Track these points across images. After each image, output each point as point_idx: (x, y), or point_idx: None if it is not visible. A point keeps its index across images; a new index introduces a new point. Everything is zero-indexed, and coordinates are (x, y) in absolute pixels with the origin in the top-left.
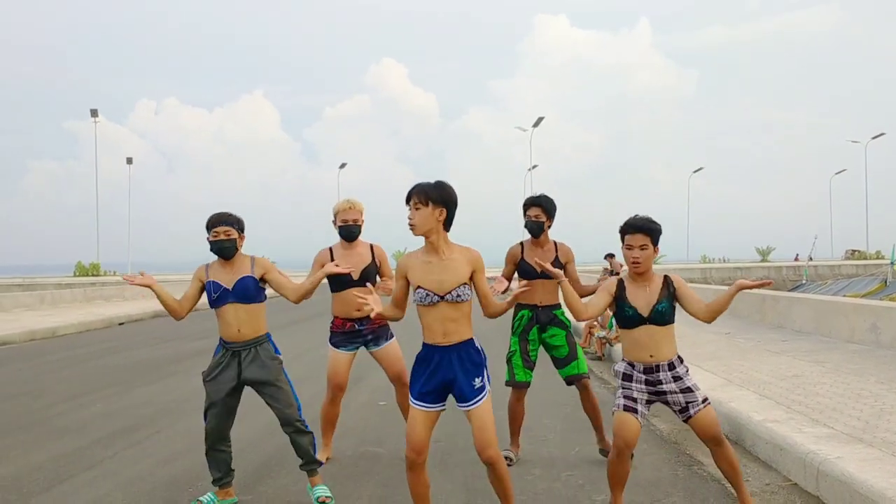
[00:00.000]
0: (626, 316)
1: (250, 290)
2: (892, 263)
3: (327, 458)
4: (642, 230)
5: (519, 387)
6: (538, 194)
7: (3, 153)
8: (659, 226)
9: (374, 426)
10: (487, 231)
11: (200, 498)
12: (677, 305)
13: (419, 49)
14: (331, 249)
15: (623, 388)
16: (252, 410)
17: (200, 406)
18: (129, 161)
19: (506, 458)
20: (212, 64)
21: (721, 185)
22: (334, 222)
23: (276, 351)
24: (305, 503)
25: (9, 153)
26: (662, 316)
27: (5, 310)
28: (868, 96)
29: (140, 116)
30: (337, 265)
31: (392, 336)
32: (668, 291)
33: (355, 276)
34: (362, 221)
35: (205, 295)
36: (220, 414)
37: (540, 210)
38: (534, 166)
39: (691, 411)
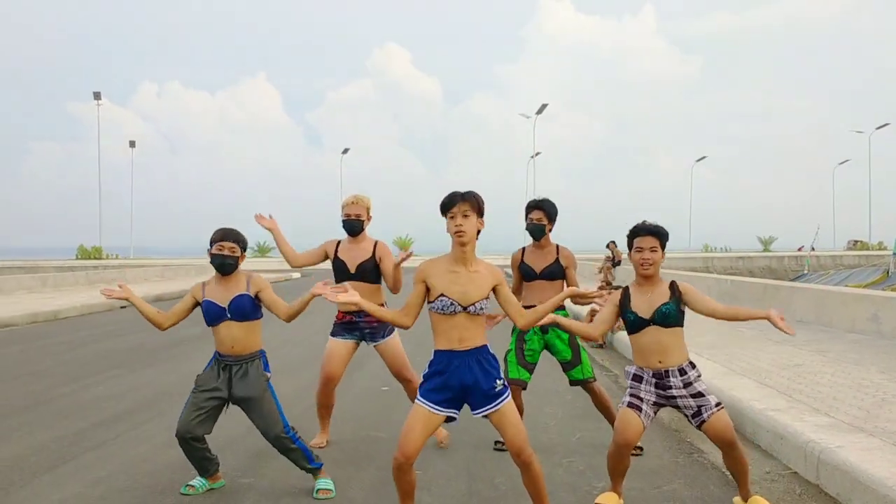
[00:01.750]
0: (629, 321)
1: (246, 308)
2: (894, 254)
3: (326, 441)
4: (651, 233)
5: (511, 383)
6: (540, 198)
7: (3, 134)
8: (667, 231)
9: (375, 411)
10: (491, 216)
11: (192, 482)
12: (686, 311)
13: (423, 33)
14: (338, 242)
15: (631, 388)
16: None
17: None
18: (132, 144)
19: (503, 443)
20: (214, 47)
21: (724, 173)
22: (341, 216)
23: (266, 368)
24: (306, 487)
25: (10, 135)
26: (666, 317)
27: (7, 292)
28: (873, 86)
29: (143, 99)
30: (326, 283)
31: (393, 331)
32: (674, 295)
33: (352, 270)
34: (368, 217)
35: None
36: (196, 419)
37: (542, 213)
38: (537, 153)
39: (704, 415)
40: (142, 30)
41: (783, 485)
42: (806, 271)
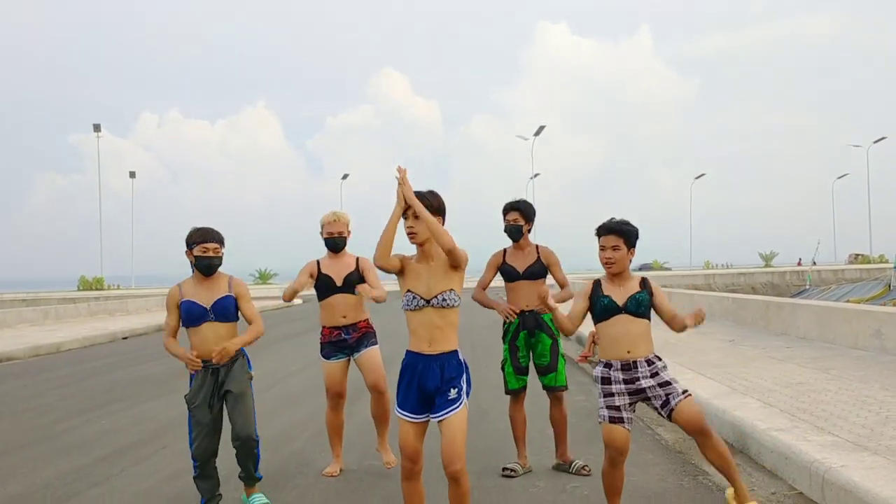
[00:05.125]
0: (602, 306)
1: (229, 310)
2: (895, 267)
3: (340, 470)
4: (613, 231)
5: (513, 394)
6: (517, 199)
7: (8, 168)
8: (633, 228)
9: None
10: (493, 237)
11: None
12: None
13: (420, 59)
14: (318, 262)
15: (605, 398)
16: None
17: None
18: (133, 175)
19: (511, 469)
20: (213, 76)
21: (724, 190)
22: (321, 234)
23: (250, 366)
24: None
25: (14, 168)
26: (639, 305)
27: (10, 325)
28: (870, 100)
29: (143, 130)
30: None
31: (374, 343)
32: (646, 289)
33: (339, 283)
34: (348, 233)
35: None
36: (208, 434)
37: (518, 214)
38: (535, 175)
39: (672, 403)
40: (141, 61)
41: None
42: (808, 286)
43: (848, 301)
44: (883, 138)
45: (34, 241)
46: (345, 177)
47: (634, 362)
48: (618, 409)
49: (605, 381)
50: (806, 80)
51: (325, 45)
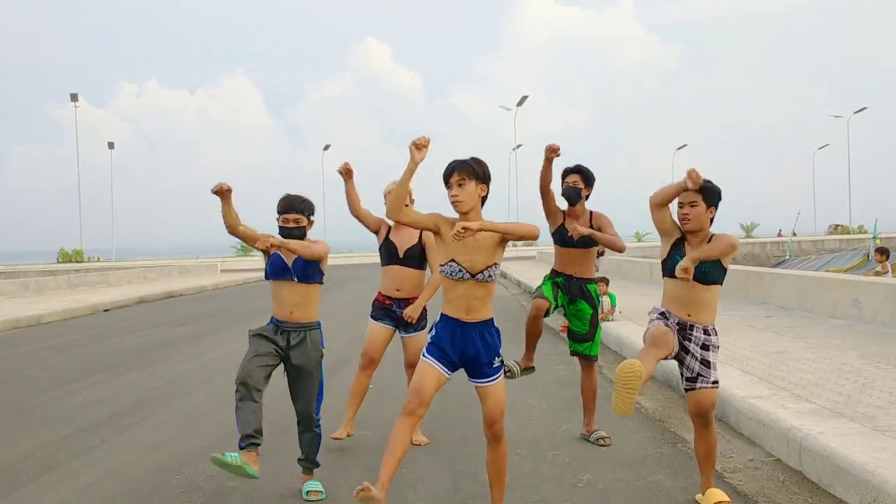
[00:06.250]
0: (675, 262)
1: (309, 269)
2: (874, 238)
3: (348, 434)
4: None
5: (542, 299)
6: (578, 163)
7: None
8: (715, 186)
9: (362, 409)
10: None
11: (227, 455)
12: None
13: (402, 28)
14: (389, 226)
15: (658, 317)
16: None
17: (186, 392)
18: (111, 146)
19: (510, 368)
20: (192, 46)
21: (705, 158)
22: (385, 203)
23: (322, 343)
24: (292, 489)
25: None
26: (704, 276)
27: None
28: (851, 69)
29: (122, 100)
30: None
31: (424, 327)
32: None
33: (400, 254)
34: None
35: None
36: (258, 360)
37: (579, 177)
38: (518, 146)
39: (698, 384)
40: (119, 29)
41: (766, 472)
42: (788, 256)
43: (827, 271)
44: (864, 108)
45: (11, 214)
46: (326, 147)
47: (692, 325)
48: (668, 320)
49: (663, 315)
50: (787, 48)
51: (305, 14)
